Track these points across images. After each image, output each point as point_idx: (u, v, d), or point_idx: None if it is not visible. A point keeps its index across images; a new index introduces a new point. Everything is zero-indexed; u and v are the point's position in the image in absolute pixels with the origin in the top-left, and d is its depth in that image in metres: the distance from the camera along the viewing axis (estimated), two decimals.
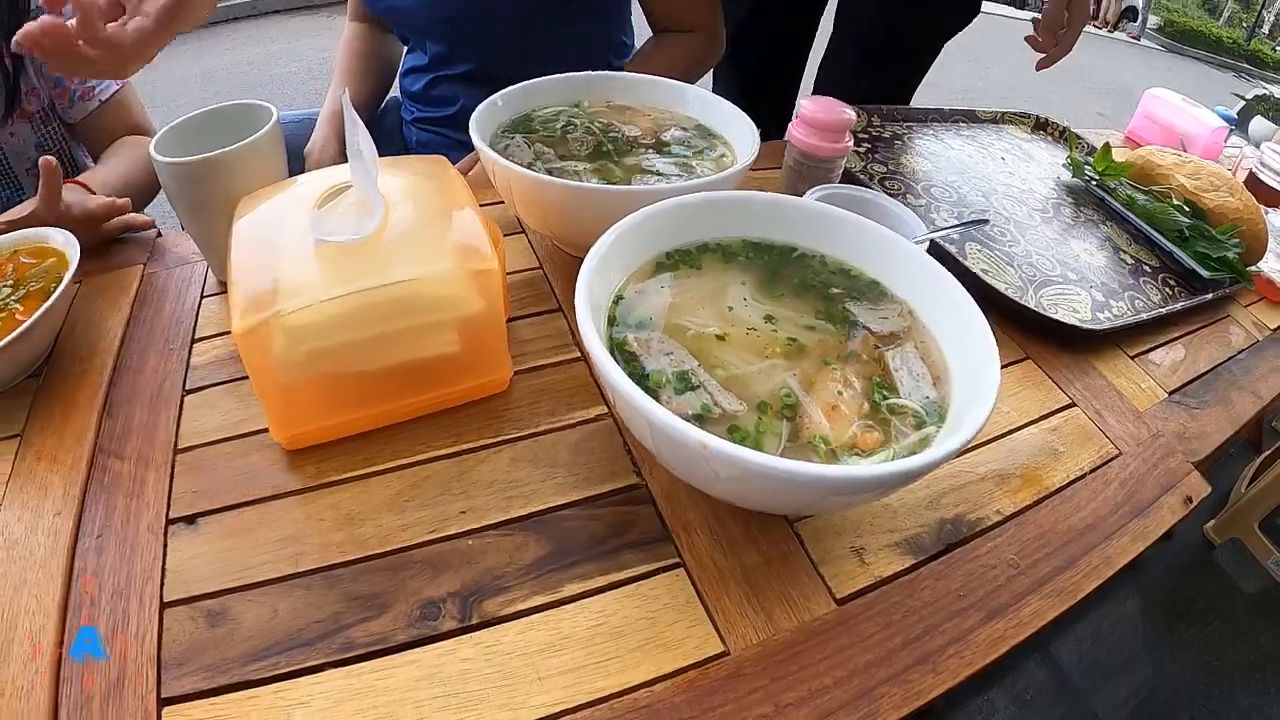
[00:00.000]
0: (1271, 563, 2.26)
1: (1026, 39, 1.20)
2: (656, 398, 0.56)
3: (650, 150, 0.90)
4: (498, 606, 0.60)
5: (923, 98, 1.37)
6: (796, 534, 0.65)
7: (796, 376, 0.60)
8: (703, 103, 0.98)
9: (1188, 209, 1.24)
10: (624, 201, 0.73)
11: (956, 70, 7.12)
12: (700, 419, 0.56)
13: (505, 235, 0.93)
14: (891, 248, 0.70)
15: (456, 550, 0.65)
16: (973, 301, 0.63)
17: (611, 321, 0.63)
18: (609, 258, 0.64)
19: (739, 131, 0.92)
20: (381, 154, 0.85)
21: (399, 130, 1.54)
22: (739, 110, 0.94)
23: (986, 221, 1.07)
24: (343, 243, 0.66)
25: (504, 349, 0.75)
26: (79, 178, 1.17)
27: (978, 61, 7.54)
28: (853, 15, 1.66)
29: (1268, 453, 2.58)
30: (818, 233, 0.72)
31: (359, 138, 0.68)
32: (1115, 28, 15.06)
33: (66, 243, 0.97)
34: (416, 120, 1.47)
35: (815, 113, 0.93)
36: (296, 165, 1.44)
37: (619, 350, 0.61)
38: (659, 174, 0.85)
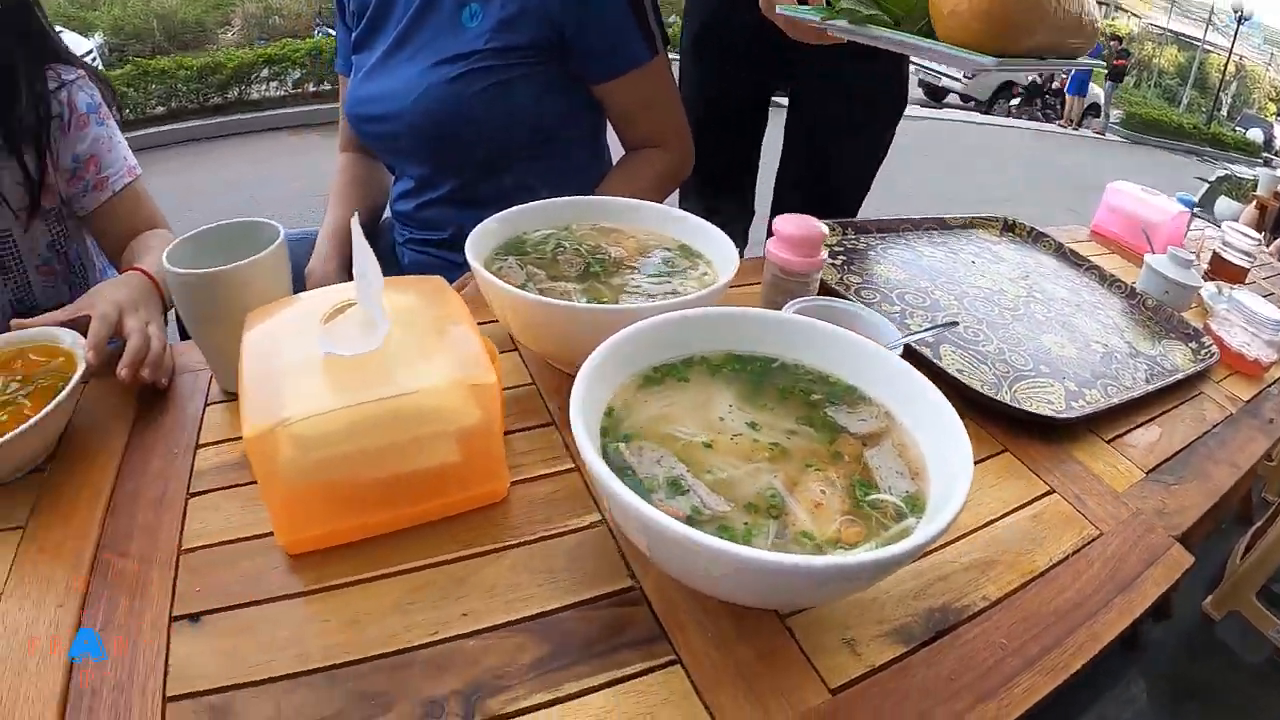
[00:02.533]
0: (1273, 632, 2.27)
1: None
2: (649, 503, 0.60)
3: (635, 270, 0.96)
4: (500, 705, 0.62)
5: (897, 204, 1.45)
6: (788, 628, 0.67)
7: (780, 478, 0.64)
8: (685, 225, 1.04)
9: None
10: (613, 320, 0.77)
11: (929, 176, 7.32)
12: (691, 521, 0.60)
13: (500, 352, 0.98)
14: (866, 354, 0.75)
15: (458, 651, 0.66)
16: (943, 397, 0.68)
17: (605, 433, 0.67)
18: (599, 373, 0.68)
19: (721, 251, 0.98)
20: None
21: (392, 251, 1.61)
22: (721, 232, 1.00)
23: (956, 324, 1.13)
24: (350, 356, 0.70)
25: (502, 460, 0.79)
26: (141, 266, 1.21)
27: (949, 167, 7.76)
28: (797, 131, 1.77)
29: (1259, 524, 2.61)
30: (797, 344, 0.77)
31: (365, 259, 0.73)
32: (1079, 124, 15.53)
33: (75, 343, 0.99)
34: (409, 242, 1.54)
35: (790, 230, 0.98)
36: (298, 283, 1.50)
37: (612, 460, 0.65)
38: (645, 293, 0.90)
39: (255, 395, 0.69)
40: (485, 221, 0.99)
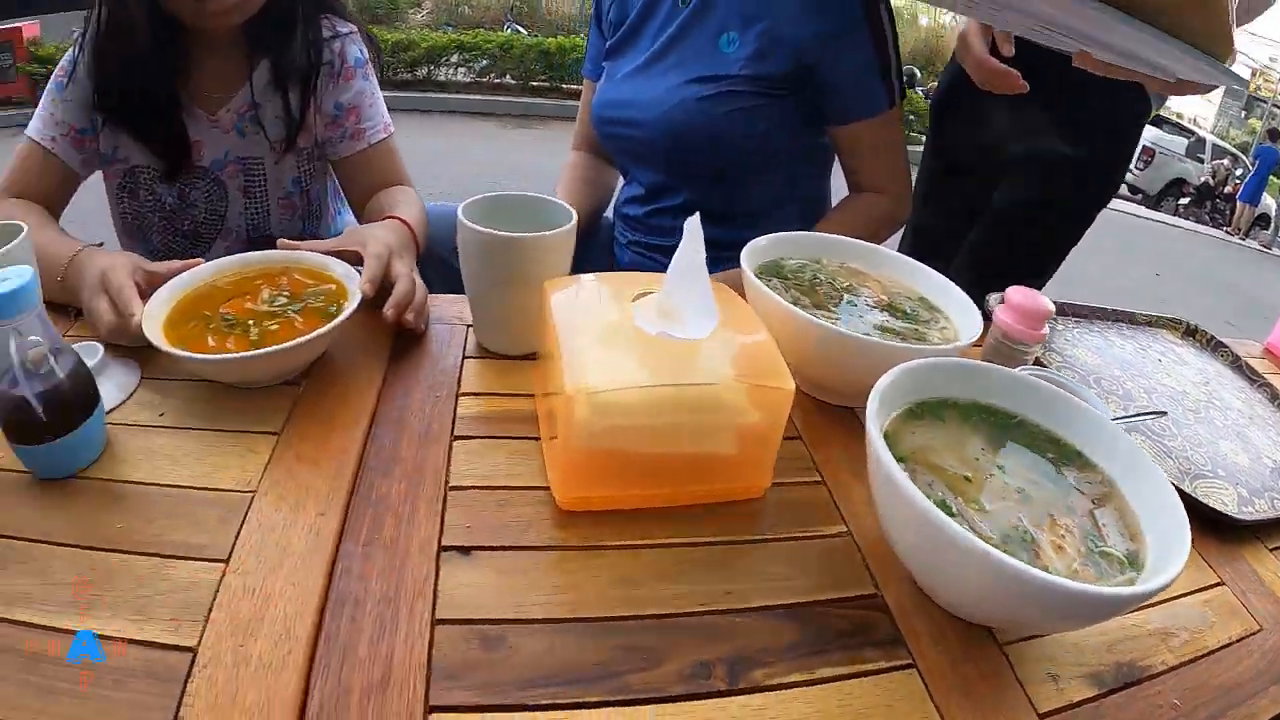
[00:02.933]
0: None
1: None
2: None
3: (885, 313, 1.07)
4: (762, 676, 0.70)
5: (1056, 287, 1.52)
6: (1005, 654, 0.76)
7: (1027, 519, 0.75)
8: (928, 279, 1.15)
9: None
10: (884, 354, 0.89)
11: (1090, 264, 7.20)
12: None
13: None
14: (1097, 425, 0.85)
15: (723, 624, 0.75)
16: (1164, 475, 0.78)
17: None
18: (884, 398, 0.80)
19: (962, 311, 1.08)
20: (592, 269, 0.99)
21: (609, 248, 1.75)
22: (964, 294, 1.10)
23: (1164, 414, 1.21)
24: (682, 339, 0.80)
25: (773, 461, 0.88)
26: (400, 215, 1.31)
27: (1110, 257, 7.63)
28: (1004, 196, 1.83)
29: None
30: (1035, 405, 0.88)
31: (698, 256, 0.81)
32: (1247, 234, 14.87)
33: (347, 275, 1.09)
34: (632, 244, 1.67)
35: (1019, 300, 1.08)
36: None
37: None
38: (898, 334, 1.01)
39: (570, 359, 0.79)
40: (755, 240, 1.11)
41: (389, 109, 1.56)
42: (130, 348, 1.04)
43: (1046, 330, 1.10)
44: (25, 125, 1.40)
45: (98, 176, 1.49)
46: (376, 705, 0.65)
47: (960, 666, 0.74)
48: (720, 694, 0.69)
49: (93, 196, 1.55)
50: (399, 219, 1.29)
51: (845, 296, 1.09)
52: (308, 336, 0.96)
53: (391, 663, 0.68)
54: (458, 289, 1.21)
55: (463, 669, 0.68)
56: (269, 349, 0.94)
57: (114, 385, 0.99)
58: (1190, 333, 1.72)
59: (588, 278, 0.97)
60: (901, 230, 1.79)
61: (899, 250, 1.23)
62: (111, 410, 0.95)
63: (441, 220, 1.44)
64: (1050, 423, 0.87)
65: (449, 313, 1.23)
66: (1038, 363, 1.24)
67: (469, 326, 1.19)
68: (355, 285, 1.06)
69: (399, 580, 0.76)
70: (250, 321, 1.03)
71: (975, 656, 0.76)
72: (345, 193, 1.61)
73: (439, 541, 0.81)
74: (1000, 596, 0.67)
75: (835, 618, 0.78)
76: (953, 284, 1.12)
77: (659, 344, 0.81)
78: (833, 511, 0.91)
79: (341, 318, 1.00)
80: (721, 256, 1.07)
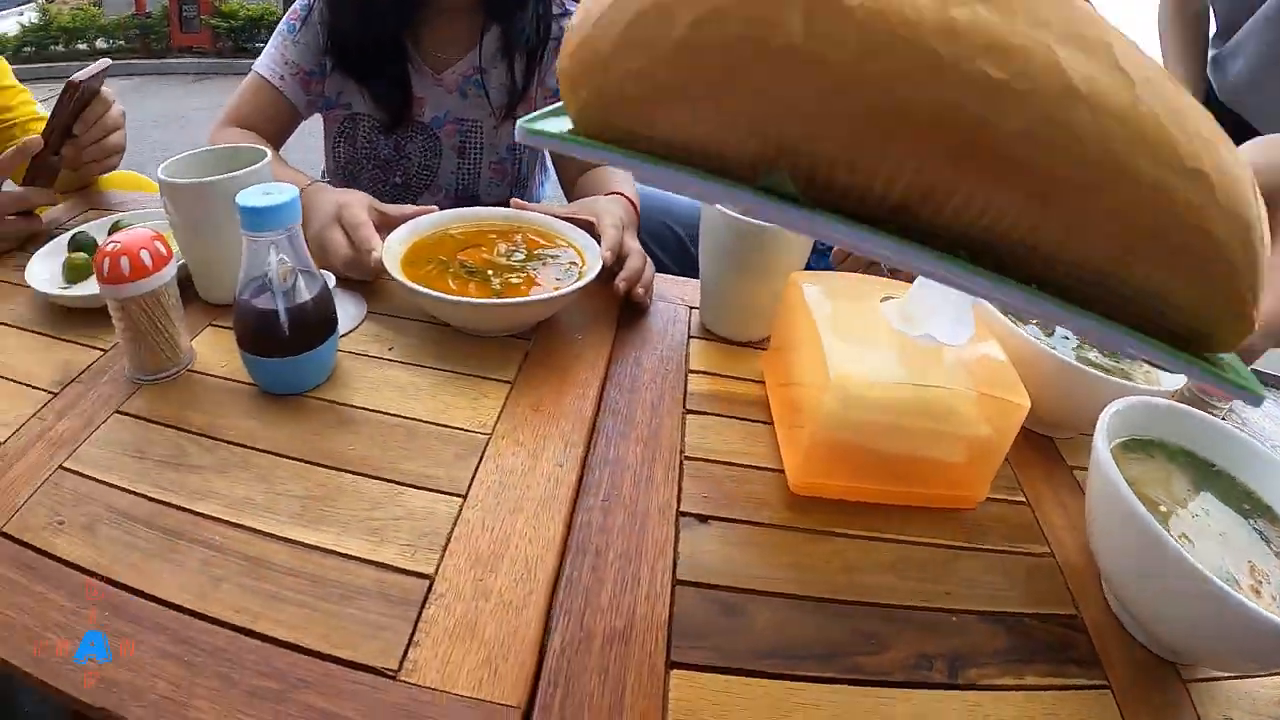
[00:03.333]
0: None
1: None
2: None
3: (1095, 350, 1.11)
4: (976, 676, 0.74)
5: None
6: (1187, 690, 0.80)
7: (1229, 560, 0.81)
8: None
9: None
10: (1108, 390, 0.95)
11: None
12: None
13: None
14: None
15: (943, 622, 0.80)
16: None
17: None
18: (1109, 428, 0.85)
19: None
20: None
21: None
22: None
23: None
24: (940, 343, 0.85)
25: (992, 475, 0.92)
26: (624, 191, 1.35)
27: None
28: None
29: None
30: (1234, 456, 0.93)
31: None
32: None
33: (587, 244, 1.15)
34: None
35: None
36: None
37: None
38: (1107, 372, 1.05)
39: (831, 350, 0.85)
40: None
41: None
42: (354, 281, 1.12)
43: None
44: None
45: (311, 120, 1.60)
46: (619, 654, 0.70)
47: (1149, 695, 0.77)
48: (940, 686, 0.74)
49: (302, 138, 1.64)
50: (625, 196, 1.35)
51: (1056, 329, 1.14)
52: (560, 291, 1.03)
53: (634, 616, 0.74)
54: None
55: (702, 631, 0.74)
56: (528, 298, 1.02)
57: (344, 315, 1.06)
58: None
59: (831, 275, 1.03)
60: None
61: None
62: (341, 337, 1.03)
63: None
64: (1245, 476, 0.92)
65: (671, 292, 1.30)
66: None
67: (692, 308, 1.26)
68: (596, 252, 1.13)
69: (639, 539, 0.83)
70: (490, 271, 1.10)
71: (1162, 688, 0.79)
72: (556, 167, 1.68)
73: (677, 507, 0.88)
74: (1211, 625, 0.73)
75: (1040, 631, 0.82)
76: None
77: (910, 346, 0.87)
78: (1036, 532, 0.95)
79: (586, 279, 1.06)
80: None
